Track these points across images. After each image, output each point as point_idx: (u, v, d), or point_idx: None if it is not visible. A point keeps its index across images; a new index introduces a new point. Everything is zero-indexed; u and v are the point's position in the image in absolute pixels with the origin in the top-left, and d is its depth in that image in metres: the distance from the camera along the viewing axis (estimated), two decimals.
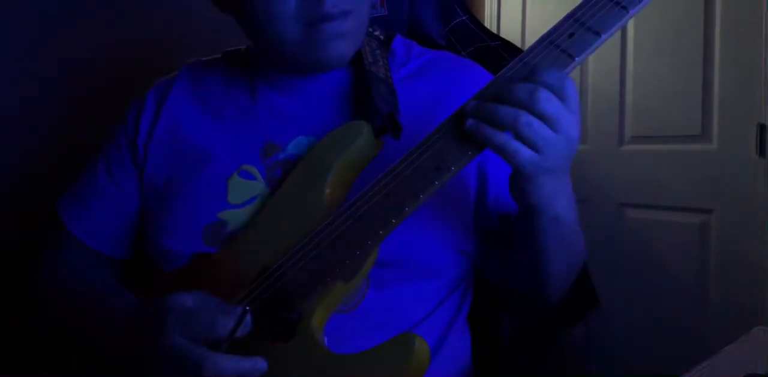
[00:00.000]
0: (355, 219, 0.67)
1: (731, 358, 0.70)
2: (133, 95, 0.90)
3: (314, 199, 0.73)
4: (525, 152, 0.60)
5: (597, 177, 1.89)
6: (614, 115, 1.89)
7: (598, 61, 1.91)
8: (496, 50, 1.06)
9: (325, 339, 0.69)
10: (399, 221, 0.66)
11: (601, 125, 1.92)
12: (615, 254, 1.81)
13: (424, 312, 0.79)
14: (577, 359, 1.78)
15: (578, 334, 1.79)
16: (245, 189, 0.78)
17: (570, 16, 0.63)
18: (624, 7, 0.61)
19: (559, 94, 0.60)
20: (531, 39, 2.16)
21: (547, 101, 0.59)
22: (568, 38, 0.62)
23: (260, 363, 0.64)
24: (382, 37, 0.88)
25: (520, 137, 0.60)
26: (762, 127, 1.56)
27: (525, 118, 0.59)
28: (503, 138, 0.60)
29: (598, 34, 0.62)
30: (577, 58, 0.62)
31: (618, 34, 1.72)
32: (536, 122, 0.59)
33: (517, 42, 1.39)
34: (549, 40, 0.63)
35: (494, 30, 2.23)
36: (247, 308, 0.64)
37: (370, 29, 0.86)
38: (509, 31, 2.22)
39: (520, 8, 2.25)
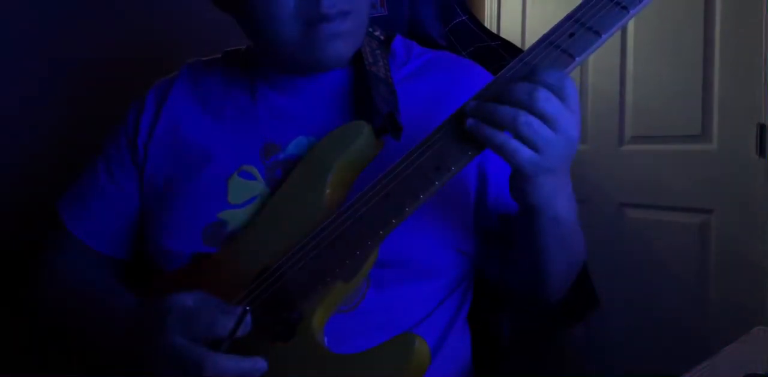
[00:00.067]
0: (355, 219, 0.67)
1: (731, 358, 0.70)
2: (133, 95, 0.90)
3: (314, 199, 0.73)
4: (525, 152, 0.60)
5: (597, 177, 1.89)
6: (614, 115, 1.89)
7: (598, 61, 1.91)
8: (496, 50, 1.06)
9: (325, 339, 0.69)
10: (399, 222, 0.66)
11: (601, 125, 1.92)
12: (615, 254, 1.81)
13: (424, 312, 0.79)
14: (577, 359, 1.78)
15: (578, 334, 1.79)
16: (245, 189, 0.78)
17: (570, 17, 0.63)
18: (624, 7, 0.61)
19: (559, 94, 0.60)
20: (531, 39, 2.16)
21: (546, 100, 0.59)
22: (568, 38, 0.62)
23: (260, 363, 0.64)
24: (382, 37, 0.88)
25: (519, 137, 0.60)
26: (762, 127, 1.56)
27: (524, 118, 0.59)
28: (503, 138, 0.60)
29: (598, 34, 0.62)
30: (577, 58, 0.62)
31: (618, 34, 1.72)
32: (536, 122, 0.59)
33: (517, 42, 1.39)
34: (549, 40, 0.63)
35: (494, 30, 2.23)
36: (248, 308, 0.64)
37: (370, 29, 0.86)
38: (509, 31, 2.22)
39: (520, 8, 2.25)
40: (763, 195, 1.55)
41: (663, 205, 1.78)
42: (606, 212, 1.88)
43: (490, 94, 0.63)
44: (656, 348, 1.70)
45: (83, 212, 0.87)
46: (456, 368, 0.83)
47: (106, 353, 0.78)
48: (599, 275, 1.02)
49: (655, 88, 1.80)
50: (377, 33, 0.88)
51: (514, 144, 0.60)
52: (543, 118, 0.60)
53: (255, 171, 0.79)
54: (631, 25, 1.84)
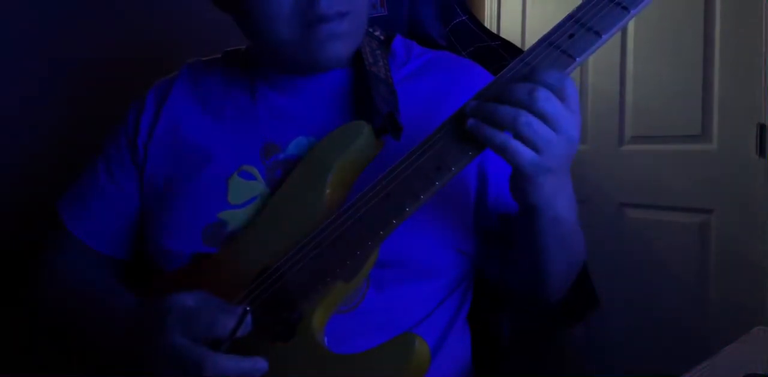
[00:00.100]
0: (355, 220, 0.67)
1: (731, 358, 0.70)
2: (133, 95, 0.90)
3: (314, 199, 0.73)
4: (525, 152, 0.60)
5: (597, 177, 1.89)
6: (614, 115, 1.89)
7: (598, 61, 1.91)
8: (496, 50, 1.06)
9: (326, 339, 0.69)
10: (399, 222, 0.66)
11: (601, 125, 1.92)
12: (615, 254, 1.81)
13: (424, 312, 0.79)
14: (577, 359, 1.78)
15: (578, 334, 1.79)
16: (245, 189, 0.78)
17: (570, 17, 0.63)
18: (625, 8, 0.61)
19: (559, 94, 0.60)
20: (531, 39, 2.16)
21: (546, 100, 0.59)
22: (568, 39, 0.62)
23: (260, 363, 0.64)
24: (382, 37, 0.88)
25: (520, 137, 0.60)
26: (762, 127, 1.56)
27: (525, 118, 0.59)
28: (503, 138, 0.60)
29: (598, 34, 0.62)
30: (577, 59, 0.62)
31: (618, 34, 1.72)
32: (536, 122, 0.59)
33: (517, 42, 1.39)
34: (549, 40, 0.63)
35: (494, 30, 2.23)
36: (248, 308, 0.64)
37: (370, 29, 0.86)
38: (509, 31, 2.22)
39: (520, 8, 2.25)
40: (763, 195, 1.55)
41: (663, 205, 1.78)
42: (606, 212, 1.88)
43: (491, 94, 0.63)
44: (656, 348, 1.70)
45: (83, 212, 0.87)
46: (456, 368, 0.83)
47: (106, 353, 0.78)
48: (599, 275, 1.02)
49: (655, 88, 1.80)
50: (377, 33, 0.88)
51: (515, 144, 0.60)
52: (543, 118, 0.60)
53: (255, 171, 0.79)
54: (631, 25, 1.84)
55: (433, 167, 0.64)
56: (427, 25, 1.07)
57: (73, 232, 0.86)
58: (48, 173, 1.08)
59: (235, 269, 0.73)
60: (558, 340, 1.57)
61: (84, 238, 0.86)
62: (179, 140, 0.84)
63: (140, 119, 0.86)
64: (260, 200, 0.78)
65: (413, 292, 0.78)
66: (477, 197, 0.80)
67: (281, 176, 0.78)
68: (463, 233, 0.80)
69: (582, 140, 1.37)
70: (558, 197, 0.66)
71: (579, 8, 0.63)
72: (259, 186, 0.78)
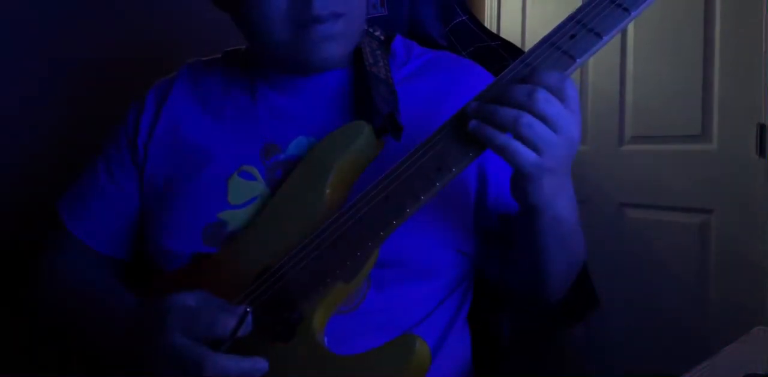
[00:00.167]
0: (355, 220, 0.67)
1: (731, 358, 0.70)
2: (133, 94, 0.90)
3: (315, 199, 0.73)
4: (526, 153, 0.60)
5: (597, 177, 1.89)
6: (614, 115, 1.89)
7: (598, 61, 1.91)
8: (496, 50, 1.06)
9: (326, 340, 0.69)
10: (400, 223, 0.66)
11: (601, 125, 1.92)
12: (615, 254, 1.81)
13: (424, 312, 0.79)
14: (577, 359, 1.78)
15: (578, 334, 1.79)
16: (245, 190, 0.78)
17: (571, 18, 0.63)
18: (626, 9, 0.62)
19: (559, 94, 0.60)
20: (531, 39, 2.17)
21: (546, 101, 0.59)
22: (569, 40, 0.62)
23: (261, 363, 0.64)
24: (382, 37, 0.88)
25: (520, 138, 0.60)
26: (762, 127, 1.56)
27: (526, 119, 0.59)
28: (504, 139, 0.60)
29: (599, 35, 0.62)
30: (578, 60, 0.62)
31: (618, 34, 1.73)
32: (537, 123, 0.59)
33: (517, 42, 1.39)
34: (550, 41, 0.63)
35: (494, 30, 2.23)
36: (249, 308, 0.64)
37: (370, 29, 0.86)
38: (509, 31, 2.22)
39: (520, 8, 2.25)
40: (763, 195, 1.55)
41: (663, 205, 1.78)
42: (606, 212, 1.88)
43: (492, 95, 0.63)
44: (656, 348, 1.70)
45: (83, 212, 0.87)
46: (456, 368, 0.83)
47: (106, 353, 0.78)
48: (599, 275, 1.02)
49: (655, 88, 1.80)
50: (377, 33, 0.88)
51: (516, 145, 0.60)
52: (543, 119, 0.60)
53: (255, 171, 0.79)
54: (631, 25, 1.83)
55: (433, 167, 0.64)
56: (427, 25, 1.07)
57: (73, 232, 0.86)
58: (48, 173, 1.08)
59: (235, 270, 0.73)
60: (558, 340, 1.57)
61: (84, 238, 0.86)
62: (179, 140, 0.84)
63: (140, 119, 0.86)
64: (260, 201, 0.78)
65: (413, 292, 0.78)
66: (477, 198, 0.80)
67: (281, 177, 0.78)
68: (463, 234, 0.80)
69: (582, 140, 1.37)
70: (558, 197, 0.66)
71: (580, 9, 0.63)
72: (259, 186, 0.78)
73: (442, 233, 0.78)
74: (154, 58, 1.15)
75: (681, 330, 1.67)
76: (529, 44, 0.64)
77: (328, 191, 0.73)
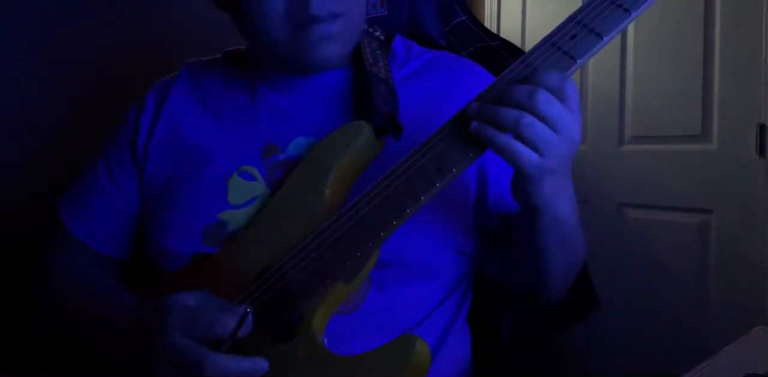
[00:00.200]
0: (356, 221, 0.67)
1: (731, 358, 0.70)
2: (133, 94, 0.90)
3: (315, 200, 0.73)
4: (526, 153, 0.60)
5: (597, 177, 1.89)
6: (614, 115, 1.89)
7: (598, 61, 1.91)
8: (496, 50, 1.06)
9: (326, 340, 0.68)
10: (400, 223, 0.66)
11: (601, 125, 1.92)
12: (615, 254, 1.81)
13: (424, 312, 0.79)
14: (577, 359, 1.78)
15: (578, 334, 1.79)
16: (245, 190, 0.78)
17: (572, 18, 0.63)
18: (626, 10, 0.62)
19: (559, 95, 0.60)
20: (531, 39, 2.17)
21: (546, 101, 0.59)
22: (570, 40, 0.62)
23: (261, 363, 0.64)
24: (382, 37, 0.88)
25: (521, 138, 0.60)
26: (762, 127, 1.56)
27: (526, 119, 0.59)
28: (505, 139, 0.60)
29: (600, 36, 0.62)
30: (579, 60, 0.62)
31: (618, 35, 1.73)
32: (538, 123, 0.59)
33: (517, 42, 1.39)
34: (551, 42, 0.63)
35: (494, 30, 2.23)
36: (249, 308, 0.64)
37: (370, 29, 0.86)
38: (509, 31, 2.22)
39: (520, 8, 2.25)
40: (763, 195, 1.55)
41: (663, 205, 1.78)
42: (606, 212, 1.88)
43: (492, 95, 0.63)
44: (656, 348, 1.70)
45: (83, 212, 0.87)
46: (456, 368, 0.83)
47: (106, 353, 0.78)
48: (599, 275, 1.02)
49: (655, 88, 1.80)
50: (377, 33, 0.88)
51: (517, 146, 0.60)
52: (544, 119, 0.60)
53: (255, 172, 0.79)
54: (631, 26, 1.83)
55: (433, 168, 0.64)
56: (427, 25, 1.07)
57: (73, 232, 0.86)
58: (48, 173, 1.08)
59: (235, 270, 0.73)
60: (558, 340, 1.57)
61: (84, 238, 0.86)
62: (179, 140, 0.84)
63: (140, 119, 0.86)
64: (260, 201, 0.78)
65: (413, 292, 0.78)
66: (477, 198, 0.80)
67: (281, 177, 0.78)
68: (463, 234, 0.80)
69: (582, 140, 1.36)
70: (558, 198, 0.66)
71: (580, 10, 0.63)
72: (259, 187, 0.78)
73: (442, 234, 0.78)
74: (154, 58, 1.15)
75: (681, 330, 1.67)
76: (529, 44, 0.64)
77: (328, 191, 0.73)
